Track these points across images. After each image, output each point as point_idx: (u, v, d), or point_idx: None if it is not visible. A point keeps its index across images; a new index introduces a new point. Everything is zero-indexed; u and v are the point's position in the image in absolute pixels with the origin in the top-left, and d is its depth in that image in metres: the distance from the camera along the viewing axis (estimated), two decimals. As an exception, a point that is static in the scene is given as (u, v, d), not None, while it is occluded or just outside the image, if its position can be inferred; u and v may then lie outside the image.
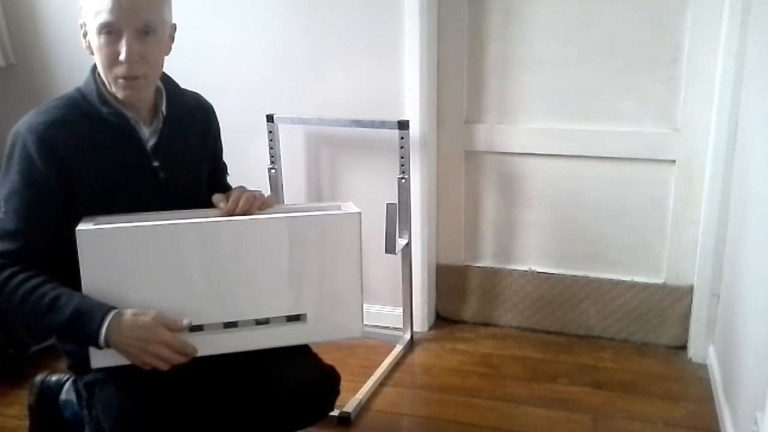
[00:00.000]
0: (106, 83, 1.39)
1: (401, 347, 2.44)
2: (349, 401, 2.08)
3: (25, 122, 1.36)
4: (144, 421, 1.33)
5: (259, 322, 1.43)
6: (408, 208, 2.35)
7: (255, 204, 1.45)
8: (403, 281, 2.45)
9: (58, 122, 1.35)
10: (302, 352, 1.53)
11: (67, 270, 1.32)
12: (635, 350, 2.41)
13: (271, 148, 2.46)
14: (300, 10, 2.38)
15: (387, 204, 2.17)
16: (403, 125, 2.27)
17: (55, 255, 1.36)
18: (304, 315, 1.45)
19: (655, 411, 2.05)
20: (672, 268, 2.36)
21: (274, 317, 1.44)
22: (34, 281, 1.30)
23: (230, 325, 1.40)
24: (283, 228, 1.41)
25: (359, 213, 1.45)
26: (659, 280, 2.39)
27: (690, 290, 2.33)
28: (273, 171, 2.47)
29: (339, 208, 1.50)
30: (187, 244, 1.35)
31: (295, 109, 2.45)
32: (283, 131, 2.47)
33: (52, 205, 1.35)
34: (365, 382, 2.20)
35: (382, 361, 2.34)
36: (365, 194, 2.46)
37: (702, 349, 2.30)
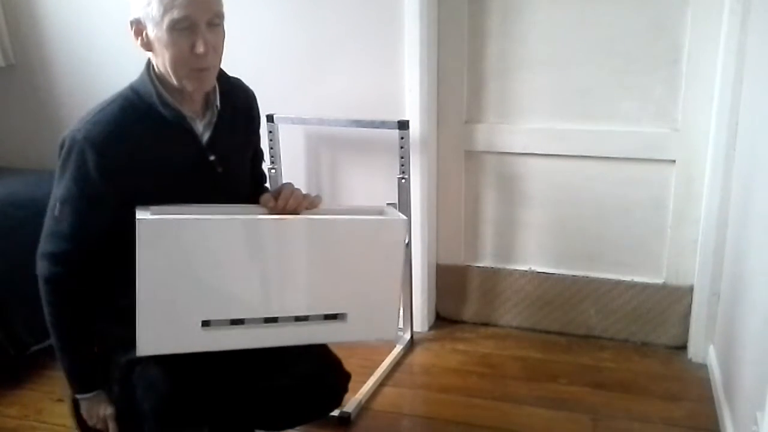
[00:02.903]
0: (174, 78, 1.37)
1: (401, 347, 2.44)
2: (349, 401, 2.08)
3: (82, 128, 1.35)
4: (184, 404, 1.38)
5: (298, 319, 1.45)
6: (408, 208, 2.35)
7: (303, 204, 1.46)
8: (403, 281, 2.45)
9: (115, 129, 1.36)
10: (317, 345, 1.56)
11: (122, 259, 1.34)
12: (635, 350, 2.41)
13: (271, 148, 2.46)
14: (300, 10, 2.38)
15: (387, 204, 2.16)
16: (403, 125, 2.27)
17: (112, 248, 1.41)
18: (343, 315, 1.47)
19: (655, 411, 2.05)
20: (672, 268, 2.36)
21: (313, 315, 1.46)
22: (66, 313, 1.42)
23: (270, 320, 1.43)
24: (334, 230, 1.43)
25: (406, 220, 1.48)
26: (659, 280, 2.39)
27: (690, 290, 2.33)
28: (273, 171, 2.47)
29: (381, 212, 1.52)
30: (240, 240, 1.37)
31: (295, 109, 2.45)
32: (283, 131, 2.47)
33: (105, 214, 1.38)
34: (365, 382, 2.20)
35: (382, 361, 2.34)
36: (365, 194, 2.46)
37: (702, 349, 2.30)
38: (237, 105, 1.54)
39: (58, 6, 2.63)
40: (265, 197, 1.45)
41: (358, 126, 2.34)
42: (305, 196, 1.47)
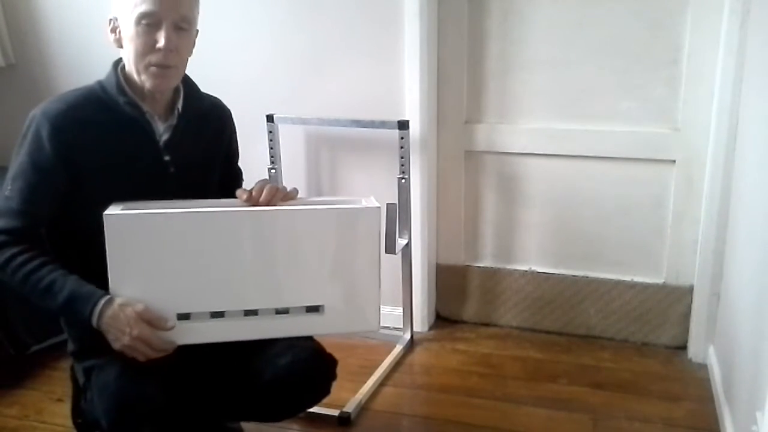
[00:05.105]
0: (135, 72, 1.42)
1: (401, 347, 2.44)
2: (349, 401, 2.08)
3: (42, 106, 1.41)
4: (137, 406, 1.35)
5: (278, 312, 1.45)
6: (408, 208, 2.35)
7: (278, 195, 1.47)
8: (403, 281, 2.45)
9: (73, 110, 1.41)
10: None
11: (79, 253, 1.38)
12: (635, 350, 2.41)
13: (271, 148, 2.46)
14: (300, 10, 2.38)
15: (387, 204, 2.16)
16: (403, 125, 2.27)
17: (67, 238, 1.44)
18: (323, 306, 1.47)
19: (655, 411, 2.06)
20: (672, 268, 2.36)
21: (294, 307, 1.46)
22: (32, 264, 1.35)
23: (250, 312, 1.43)
24: (307, 220, 1.44)
25: (379, 207, 1.47)
26: (659, 280, 2.39)
27: (690, 290, 2.33)
28: (273, 171, 2.47)
29: (360, 202, 1.52)
30: (211, 233, 1.38)
31: (295, 109, 2.45)
32: (283, 131, 2.47)
33: (55, 190, 1.41)
34: (365, 382, 2.20)
35: (382, 361, 2.34)
36: (365, 194, 2.45)
37: (702, 349, 2.30)
38: (203, 115, 1.58)
39: (58, 6, 2.63)
40: (239, 190, 1.47)
41: (358, 126, 2.34)
42: (279, 189, 1.48)
